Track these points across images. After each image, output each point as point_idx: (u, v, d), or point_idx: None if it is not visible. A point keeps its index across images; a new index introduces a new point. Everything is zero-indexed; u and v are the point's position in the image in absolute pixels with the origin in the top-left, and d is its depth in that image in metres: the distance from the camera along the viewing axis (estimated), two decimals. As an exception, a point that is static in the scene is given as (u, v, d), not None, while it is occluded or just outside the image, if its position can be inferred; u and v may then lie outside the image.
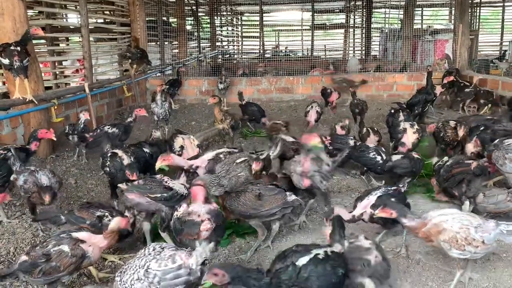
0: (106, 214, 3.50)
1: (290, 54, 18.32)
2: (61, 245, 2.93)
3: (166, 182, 3.73)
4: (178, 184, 3.81)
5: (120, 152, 4.53)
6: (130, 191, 3.63)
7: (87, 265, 3.07)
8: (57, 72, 9.73)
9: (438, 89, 7.67)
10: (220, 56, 16.87)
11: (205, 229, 3.05)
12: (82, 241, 2.99)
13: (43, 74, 6.77)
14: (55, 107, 6.24)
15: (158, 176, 3.88)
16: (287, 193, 3.71)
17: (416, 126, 5.56)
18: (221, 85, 9.80)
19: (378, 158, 4.81)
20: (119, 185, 3.82)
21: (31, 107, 5.77)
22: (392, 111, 6.38)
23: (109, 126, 5.88)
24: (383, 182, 4.94)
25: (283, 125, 6.84)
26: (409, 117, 6.21)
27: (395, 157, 4.77)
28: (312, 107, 7.59)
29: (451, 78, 8.32)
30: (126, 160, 4.42)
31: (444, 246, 3.00)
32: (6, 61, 5.21)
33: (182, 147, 5.09)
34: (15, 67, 5.20)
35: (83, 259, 2.97)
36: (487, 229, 2.99)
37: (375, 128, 6.15)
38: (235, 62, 15.34)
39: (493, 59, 13.76)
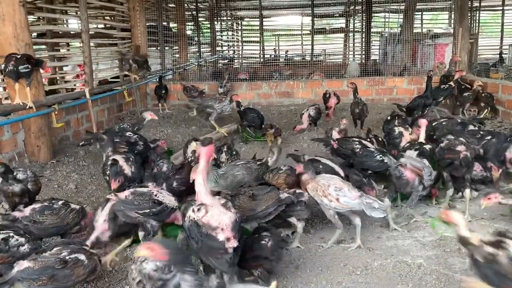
0: (11, 234, 3.13)
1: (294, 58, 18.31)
2: (77, 254, 2.87)
3: (155, 195, 3.57)
4: (168, 196, 3.67)
5: (121, 160, 4.38)
6: (118, 208, 3.50)
7: (90, 278, 3.05)
8: (58, 77, 9.76)
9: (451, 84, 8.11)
10: (220, 61, 16.92)
11: (231, 247, 2.82)
12: (95, 254, 2.97)
13: (43, 80, 6.80)
14: (56, 113, 6.25)
15: (150, 184, 3.76)
16: (279, 190, 3.71)
17: (410, 129, 5.54)
18: (221, 89, 9.80)
19: (386, 159, 4.82)
20: (108, 196, 3.65)
21: (32, 113, 5.78)
22: (389, 118, 6.40)
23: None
24: (383, 187, 4.91)
25: (273, 131, 6.95)
26: (406, 122, 6.20)
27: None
28: (307, 110, 7.63)
29: (463, 72, 8.70)
30: (127, 170, 4.29)
31: (309, 192, 3.77)
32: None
33: (194, 152, 4.91)
34: (7, 70, 5.27)
35: (94, 272, 2.94)
36: (350, 195, 3.70)
37: (380, 138, 5.92)
38: (236, 66, 15.37)
39: (491, 65, 13.80)
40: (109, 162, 4.30)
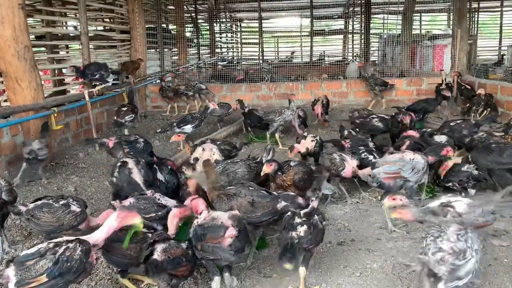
0: None
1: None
2: None
3: (158, 199, 3.61)
4: (171, 201, 3.72)
5: (130, 163, 4.23)
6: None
7: None
8: (56, 80, 9.76)
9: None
10: (219, 63, 16.93)
11: (230, 235, 2.94)
12: None
13: (43, 82, 6.80)
14: (55, 115, 6.25)
15: (148, 192, 3.74)
16: (279, 199, 3.64)
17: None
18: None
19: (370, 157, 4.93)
20: (112, 202, 3.58)
21: (31, 115, 5.78)
22: (393, 114, 6.48)
23: None
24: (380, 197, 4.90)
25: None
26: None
27: None
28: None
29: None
30: (136, 173, 4.12)
31: None
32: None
33: (197, 159, 4.80)
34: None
35: None
36: None
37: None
38: (239, 68, 15.39)
39: (491, 65, 13.82)
40: (119, 164, 4.23)
